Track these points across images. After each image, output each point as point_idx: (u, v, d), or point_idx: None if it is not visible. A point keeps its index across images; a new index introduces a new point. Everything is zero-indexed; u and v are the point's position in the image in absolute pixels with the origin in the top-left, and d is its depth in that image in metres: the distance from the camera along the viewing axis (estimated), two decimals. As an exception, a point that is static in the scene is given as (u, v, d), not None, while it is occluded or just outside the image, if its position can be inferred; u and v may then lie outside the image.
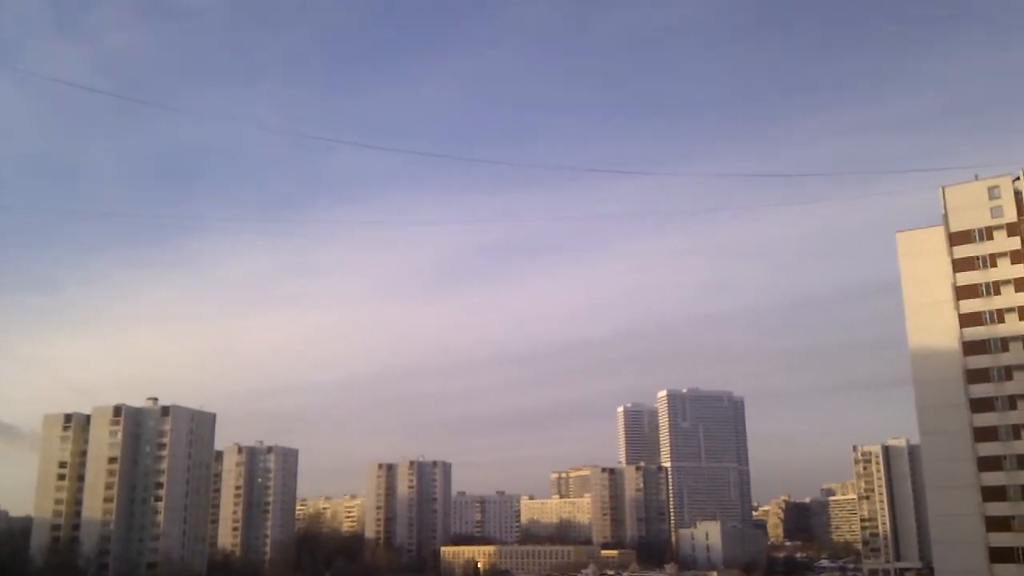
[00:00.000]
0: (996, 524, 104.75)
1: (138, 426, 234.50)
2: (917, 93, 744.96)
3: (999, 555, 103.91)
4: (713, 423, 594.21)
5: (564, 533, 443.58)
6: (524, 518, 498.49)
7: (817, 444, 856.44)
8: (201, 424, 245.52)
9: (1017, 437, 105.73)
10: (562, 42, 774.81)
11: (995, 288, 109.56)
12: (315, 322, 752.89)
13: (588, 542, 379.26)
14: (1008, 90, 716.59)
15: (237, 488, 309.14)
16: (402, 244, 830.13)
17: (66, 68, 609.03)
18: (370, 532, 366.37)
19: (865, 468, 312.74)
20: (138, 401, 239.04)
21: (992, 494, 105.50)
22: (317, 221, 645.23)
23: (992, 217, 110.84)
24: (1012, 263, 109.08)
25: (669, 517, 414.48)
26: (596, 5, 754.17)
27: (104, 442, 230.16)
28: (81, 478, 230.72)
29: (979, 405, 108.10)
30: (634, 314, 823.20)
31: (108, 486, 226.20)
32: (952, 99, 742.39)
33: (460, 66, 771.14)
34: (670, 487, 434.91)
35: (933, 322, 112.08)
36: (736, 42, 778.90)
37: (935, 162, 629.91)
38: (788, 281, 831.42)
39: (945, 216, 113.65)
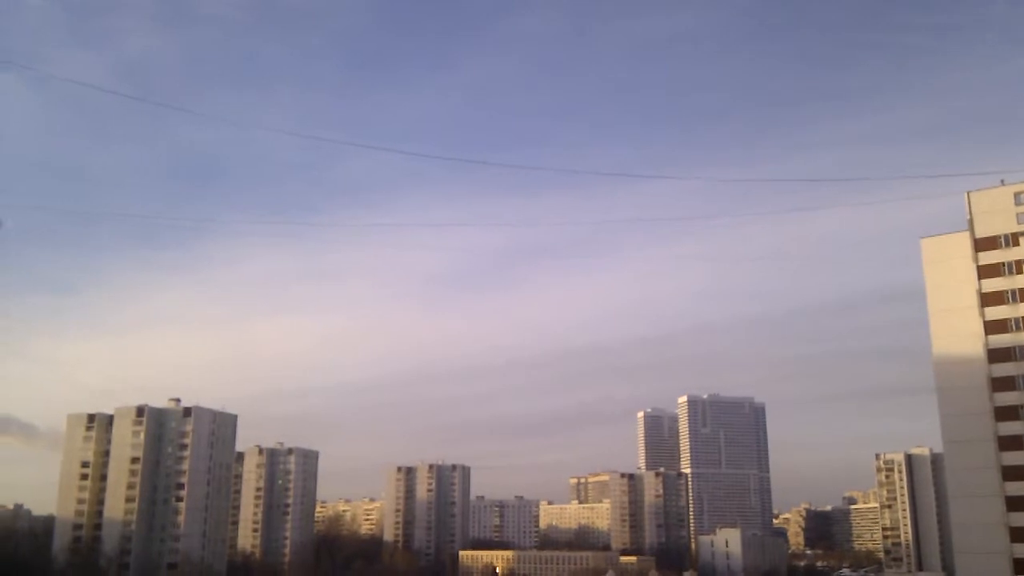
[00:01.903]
0: (1021, 534, 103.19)
1: (160, 427, 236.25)
2: (927, 102, 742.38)
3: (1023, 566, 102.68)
4: (734, 429, 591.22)
5: (583, 539, 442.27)
6: (543, 523, 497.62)
7: (839, 452, 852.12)
8: (222, 425, 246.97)
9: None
10: (575, 49, 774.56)
11: (1021, 295, 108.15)
12: (332, 325, 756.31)
13: (607, 548, 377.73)
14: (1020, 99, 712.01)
15: (257, 489, 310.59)
16: (418, 248, 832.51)
17: (83, 72, 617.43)
18: (389, 535, 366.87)
19: (888, 476, 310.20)
20: (159, 402, 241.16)
21: (1017, 504, 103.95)
22: (332, 224, 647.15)
23: (1018, 223, 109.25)
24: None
25: (689, 524, 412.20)
26: (609, 14, 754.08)
27: (127, 442, 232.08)
28: (103, 478, 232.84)
29: (1004, 414, 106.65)
30: (652, 319, 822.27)
31: (130, 486, 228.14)
32: (963, 109, 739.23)
33: (473, 71, 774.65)
34: (690, 493, 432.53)
35: (958, 329, 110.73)
36: (748, 48, 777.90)
37: (954, 169, 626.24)
38: (810, 286, 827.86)
39: (970, 222, 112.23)
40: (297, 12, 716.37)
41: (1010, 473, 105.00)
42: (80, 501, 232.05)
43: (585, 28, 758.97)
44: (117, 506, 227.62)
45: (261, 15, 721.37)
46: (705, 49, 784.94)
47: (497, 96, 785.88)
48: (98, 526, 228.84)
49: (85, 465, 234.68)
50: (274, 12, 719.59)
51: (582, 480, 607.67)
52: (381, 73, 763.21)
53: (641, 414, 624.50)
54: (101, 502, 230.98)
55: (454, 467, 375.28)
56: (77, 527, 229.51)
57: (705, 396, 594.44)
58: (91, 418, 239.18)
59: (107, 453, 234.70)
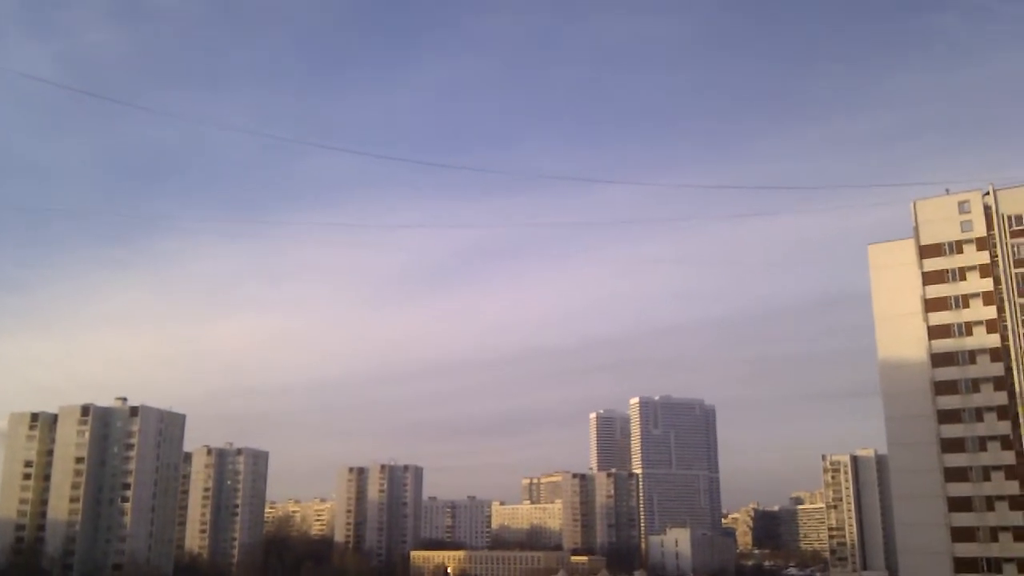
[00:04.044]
0: (961, 535, 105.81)
1: (106, 426, 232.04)
2: (885, 110, 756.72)
3: (964, 565, 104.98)
4: (684, 431, 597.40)
5: (535, 539, 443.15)
6: (495, 523, 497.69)
7: (787, 453, 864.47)
8: (170, 425, 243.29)
9: (983, 449, 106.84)
10: (543, 51, 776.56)
11: (964, 301, 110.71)
12: (285, 325, 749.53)
13: (558, 548, 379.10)
14: (973, 108, 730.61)
15: (206, 490, 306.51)
16: (374, 249, 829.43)
17: (36, 65, 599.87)
18: (339, 536, 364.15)
19: (834, 477, 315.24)
20: (106, 401, 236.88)
21: (958, 505, 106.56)
22: (288, 223, 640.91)
23: (962, 231, 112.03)
24: (981, 277, 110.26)
25: (639, 524, 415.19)
26: (572, 18, 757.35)
27: (71, 442, 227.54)
28: (47, 478, 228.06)
29: (946, 416, 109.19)
30: (608, 321, 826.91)
31: (75, 486, 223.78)
32: (919, 117, 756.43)
33: (439, 72, 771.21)
34: (640, 494, 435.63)
35: (902, 334, 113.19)
36: (712, 55, 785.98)
37: (904, 177, 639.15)
38: (760, 291, 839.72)
39: (916, 229, 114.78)
40: (258, 10, 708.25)
41: (952, 475, 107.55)
42: (23, 501, 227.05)
43: (555, 31, 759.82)
44: (61, 506, 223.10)
45: (220, 12, 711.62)
46: (671, 53, 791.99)
47: (463, 97, 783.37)
48: (41, 527, 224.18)
49: (28, 465, 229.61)
50: (234, 9, 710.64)
51: (534, 480, 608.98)
52: (343, 72, 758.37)
53: (594, 415, 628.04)
54: (45, 502, 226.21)
55: (406, 467, 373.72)
56: (19, 527, 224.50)
57: (657, 398, 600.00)
58: (35, 417, 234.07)
59: (51, 452, 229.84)
